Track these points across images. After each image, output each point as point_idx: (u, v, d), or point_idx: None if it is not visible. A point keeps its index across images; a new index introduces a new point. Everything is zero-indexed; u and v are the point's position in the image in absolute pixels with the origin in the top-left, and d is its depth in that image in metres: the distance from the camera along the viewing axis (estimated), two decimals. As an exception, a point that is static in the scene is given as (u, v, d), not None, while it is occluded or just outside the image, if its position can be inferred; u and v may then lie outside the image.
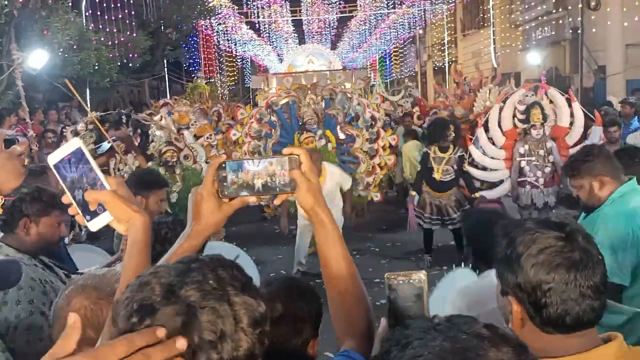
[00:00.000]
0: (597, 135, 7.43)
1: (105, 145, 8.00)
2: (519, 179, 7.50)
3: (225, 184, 1.30)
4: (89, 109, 8.06)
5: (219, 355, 0.99)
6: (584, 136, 7.57)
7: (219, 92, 29.34)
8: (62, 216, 2.83)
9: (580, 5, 17.18)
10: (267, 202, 8.31)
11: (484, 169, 7.95)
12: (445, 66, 28.98)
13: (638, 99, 12.21)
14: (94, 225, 1.35)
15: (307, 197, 1.34)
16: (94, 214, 1.34)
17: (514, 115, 7.63)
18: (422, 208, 7.66)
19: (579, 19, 17.27)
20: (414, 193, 7.91)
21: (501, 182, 7.80)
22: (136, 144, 8.60)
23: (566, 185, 7.03)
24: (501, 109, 7.74)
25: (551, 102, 7.65)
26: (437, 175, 7.46)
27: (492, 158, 7.77)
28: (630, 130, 9.25)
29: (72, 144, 1.34)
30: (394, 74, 39.09)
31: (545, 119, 7.34)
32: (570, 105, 7.61)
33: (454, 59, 29.49)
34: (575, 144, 7.26)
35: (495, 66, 22.40)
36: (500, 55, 23.34)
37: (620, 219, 3.11)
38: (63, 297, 1.81)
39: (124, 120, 10.02)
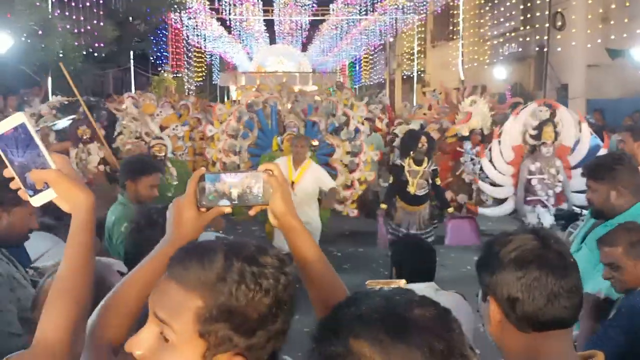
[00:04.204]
0: None
1: (63, 122, 7.49)
2: (528, 198, 7.19)
3: (203, 194, 1.36)
4: (77, 93, 7.40)
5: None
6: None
7: (185, 87, 29.10)
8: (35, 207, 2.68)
9: (547, 25, 17.60)
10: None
11: (492, 184, 7.67)
12: (414, 76, 29.34)
13: (598, 120, 12.56)
14: (37, 200, 1.37)
15: (281, 203, 1.40)
16: (37, 190, 1.36)
17: (524, 131, 7.36)
18: (398, 224, 7.37)
19: (545, 37, 17.69)
20: (384, 206, 7.56)
21: (506, 200, 7.49)
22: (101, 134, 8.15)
23: (572, 204, 6.95)
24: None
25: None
26: (411, 189, 7.23)
27: (501, 174, 7.50)
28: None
29: (16, 118, 1.33)
30: (363, 80, 39.41)
31: (557, 138, 7.13)
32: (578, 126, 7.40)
33: (422, 69, 29.88)
34: (577, 165, 7.07)
35: (462, 79, 22.78)
36: (467, 68, 23.75)
37: None
38: (48, 286, 1.76)
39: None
